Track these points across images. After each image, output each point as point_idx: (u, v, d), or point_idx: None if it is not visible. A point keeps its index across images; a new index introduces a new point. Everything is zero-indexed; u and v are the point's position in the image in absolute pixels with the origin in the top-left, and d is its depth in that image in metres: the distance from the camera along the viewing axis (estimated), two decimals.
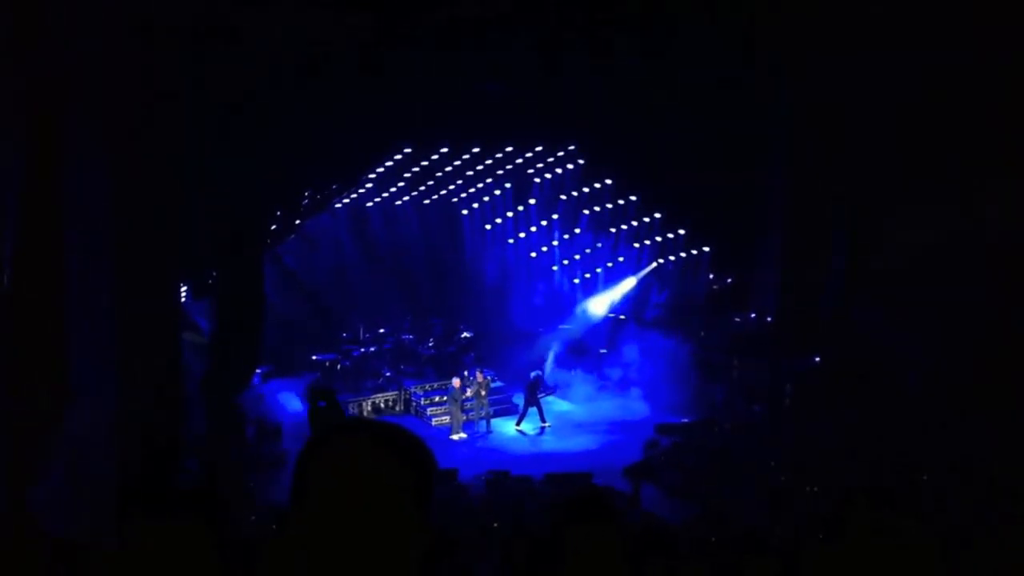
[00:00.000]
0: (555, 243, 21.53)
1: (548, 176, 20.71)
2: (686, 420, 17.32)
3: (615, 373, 19.92)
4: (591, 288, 21.56)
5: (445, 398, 18.21)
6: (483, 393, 17.92)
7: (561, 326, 21.11)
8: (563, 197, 20.82)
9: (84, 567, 4.28)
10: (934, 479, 9.68)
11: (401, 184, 20.55)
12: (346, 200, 20.56)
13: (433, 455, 1.83)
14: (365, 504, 1.69)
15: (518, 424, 18.02)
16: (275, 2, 10.17)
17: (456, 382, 17.67)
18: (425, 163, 19.28)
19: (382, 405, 18.67)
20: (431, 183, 20.77)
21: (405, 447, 1.78)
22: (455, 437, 17.28)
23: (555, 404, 18.96)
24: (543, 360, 19.99)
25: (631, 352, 19.59)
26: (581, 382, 20.12)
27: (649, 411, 18.52)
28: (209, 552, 3.19)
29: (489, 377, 18.48)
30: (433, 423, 17.99)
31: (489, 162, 19.88)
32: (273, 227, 16.25)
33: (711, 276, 19.58)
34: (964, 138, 11.92)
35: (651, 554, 4.36)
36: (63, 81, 7.07)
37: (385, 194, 21.07)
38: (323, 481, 1.73)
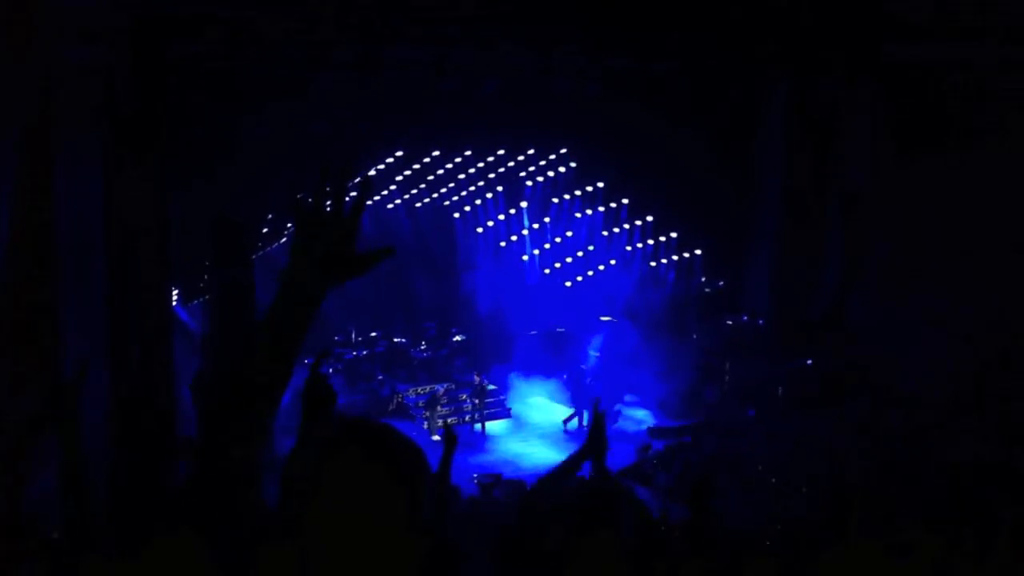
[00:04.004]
0: (547, 246, 21.55)
1: (540, 179, 20.73)
2: (679, 423, 17.32)
3: (607, 376, 19.90)
4: (583, 291, 21.57)
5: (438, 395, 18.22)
6: (479, 396, 17.92)
7: (554, 329, 21.10)
8: (555, 200, 20.86)
9: (78, 570, 4.25)
10: (931, 481, 9.70)
11: (393, 187, 20.55)
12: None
13: (423, 456, 1.82)
14: (362, 511, 1.68)
15: (567, 421, 17.99)
16: (273, 2, 10.16)
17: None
18: (417, 166, 19.30)
19: (375, 408, 18.61)
20: (423, 186, 20.77)
21: (397, 449, 1.77)
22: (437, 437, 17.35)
23: (548, 407, 18.95)
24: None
25: (623, 355, 19.58)
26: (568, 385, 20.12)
27: (641, 414, 18.52)
28: (202, 555, 3.17)
29: (485, 380, 18.49)
30: (425, 426, 17.97)
31: (481, 165, 19.91)
32: (265, 230, 16.23)
33: (703, 279, 19.64)
34: (963, 137, 11.93)
35: (649, 555, 4.35)
36: (58, 82, 7.05)
37: (377, 197, 21.05)
38: (319, 489, 1.71)
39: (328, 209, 1.91)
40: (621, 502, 3.82)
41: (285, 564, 1.85)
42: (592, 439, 4.18)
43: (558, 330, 21.12)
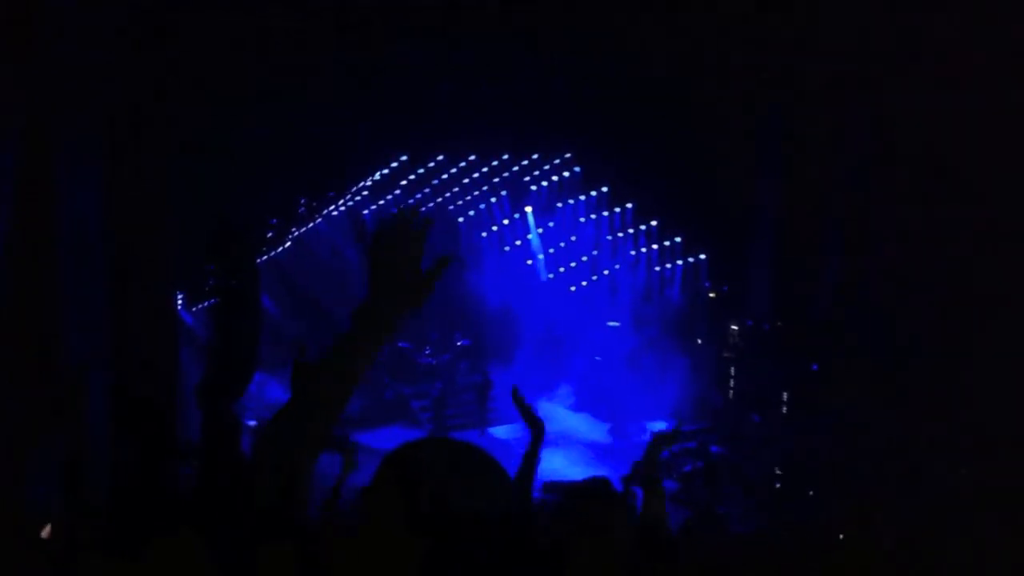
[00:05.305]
0: (551, 251, 21.57)
1: (544, 184, 20.77)
2: (683, 428, 17.26)
3: (610, 380, 19.88)
4: (587, 296, 21.57)
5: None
6: (482, 397, 17.95)
7: (559, 334, 21.09)
8: (559, 205, 20.89)
9: (78, 570, 4.24)
10: (932, 484, 9.66)
11: (397, 191, 20.59)
12: (343, 207, 20.58)
13: (429, 459, 1.81)
14: (362, 510, 1.71)
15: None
16: (272, 2, 10.17)
17: None
18: (421, 170, 19.34)
19: (379, 413, 18.62)
20: (427, 190, 20.82)
21: (400, 450, 1.79)
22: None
23: (553, 411, 18.95)
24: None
25: (627, 359, 19.56)
26: (575, 391, 20.10)
27: (645, 419, 18.48)
28: (202, 555, 3.16)
29: (491, 381, 18.53)
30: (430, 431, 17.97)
31: (485, 170, 19.95)
32: (269, 235, 16.26)
33: (707, 284, 19.62)
34: (962, 141, 11.92)
35: (650, 559, 4.33)
36: (57, 82, 7.05)
37: (381, 201, 21.09)
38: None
39: (396, 243, 2.24)
40: (621, 503, 3.79)
41: (285, 564, 1.85)
42: (532, 425, 4.27)
43: (563, 335, 21.10)
